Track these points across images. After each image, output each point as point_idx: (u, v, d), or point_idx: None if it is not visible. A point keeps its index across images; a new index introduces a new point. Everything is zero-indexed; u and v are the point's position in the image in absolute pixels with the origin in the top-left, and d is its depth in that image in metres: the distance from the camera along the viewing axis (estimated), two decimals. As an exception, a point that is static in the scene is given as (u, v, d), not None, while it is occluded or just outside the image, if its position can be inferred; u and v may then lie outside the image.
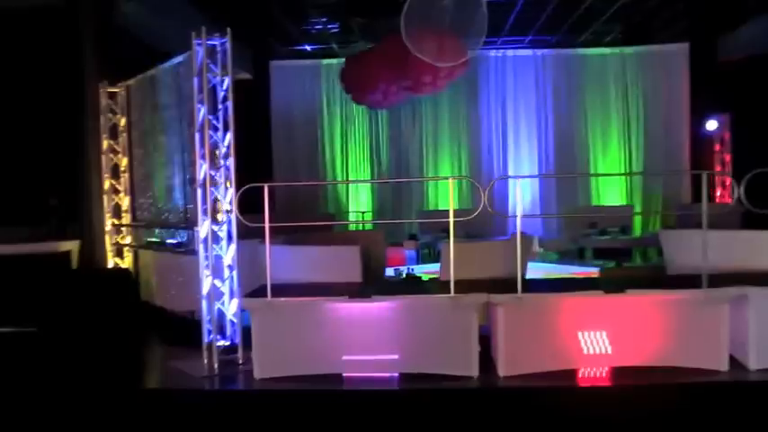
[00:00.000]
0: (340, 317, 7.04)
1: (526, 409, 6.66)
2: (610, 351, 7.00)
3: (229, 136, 7.60)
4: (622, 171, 18.49)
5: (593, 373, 6.97)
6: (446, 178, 5.97)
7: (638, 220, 17.81)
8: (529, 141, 18.70)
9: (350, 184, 18.99)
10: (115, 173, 10.92)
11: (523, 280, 7.49)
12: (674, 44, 18.18)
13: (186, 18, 12.18)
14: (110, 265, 10.72)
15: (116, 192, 10.91)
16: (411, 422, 6.72)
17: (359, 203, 18.91)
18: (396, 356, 7.07)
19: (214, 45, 7.71)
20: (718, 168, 17.75)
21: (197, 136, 7.55)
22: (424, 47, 11.62)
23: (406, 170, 18.74)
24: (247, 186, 7.24)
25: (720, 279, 6.96)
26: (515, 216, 6.92)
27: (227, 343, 7.64)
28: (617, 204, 18.02)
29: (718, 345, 6.86)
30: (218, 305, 7.57)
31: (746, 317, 6.88)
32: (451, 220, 6.83)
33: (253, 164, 18.39)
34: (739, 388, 6.71)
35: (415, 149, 18.87)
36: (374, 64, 14.03)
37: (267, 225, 7.01)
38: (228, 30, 7.54)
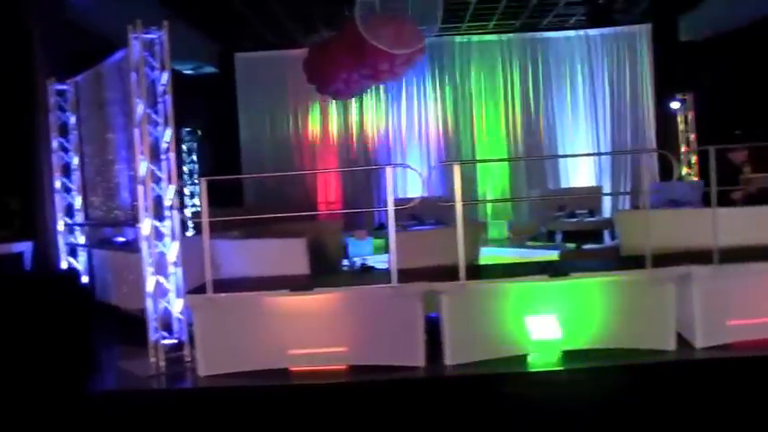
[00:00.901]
0: (283, 310, 6.96)
1: (475, 397, 6.58)
2: (560, 335, 6.92)
3: (170, 131, 7.43)
4: (591, 152, 18.44)
5: (543, 358, 6.90)
6: (384, 167, 5.85)
7: (607, 200, 17.79)
8: (496, 125, 18.63)
9: (318, 174, 18.84)
10: (67, 171, 10.75)
11: (473, 267, 7.46)
12: (636, 25, 18.17)
13: (145, 9, 12.01)
14: (64, 265, 10.57)
15: (68, 190, 10.75)
16: (360, 415, 6.63)
17: (329, 193, 18.81)
18: (343, 349, 6.97)
19: (152, 38, 7.50)
20: (684, 148, 17.75)
21: (136, 132, 7.40)
22: (380, 34, 11.53)
23: (375, 158, 18.64)
24: (183, 183, 7.10)
25: (670, 258, 6.92)
26: (458, 203, 6.81)
27: (174, 341, 7.52)
28: (585, 186, 17.97)
29: (665, 324, 6.82)
30: (163, 303, 7.45)
31: (692, 295, 6.81)
32: (390, 208, 6.72)
33: (220, 157, 18.41)
34: (686, 366, 6.66)
35: (382, 137, 18.76)
36: (334, 53, 13.90)
37: (205, 220, 6.89)
38: (165, 22, 7.38)
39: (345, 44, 13.09)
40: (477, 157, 18.24)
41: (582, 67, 18.56)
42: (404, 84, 18.43)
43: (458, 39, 18.51)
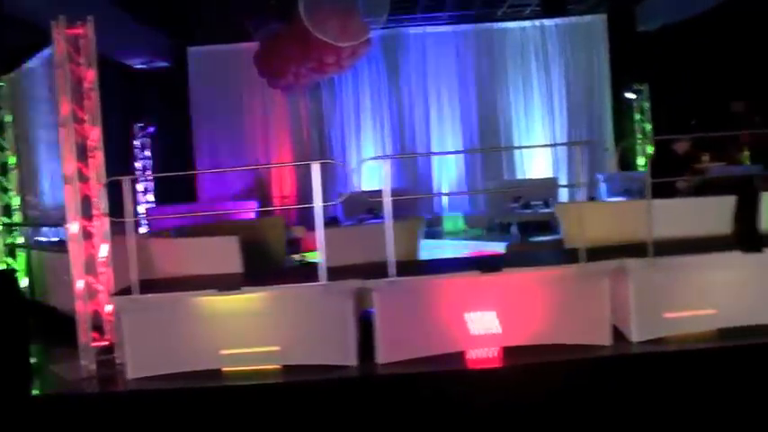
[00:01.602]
0: (214, 310, 6.79)
1: (408, 396, 6.46)
2: (498, 331, 6.81)
3: (97, 130, 7.23)
4: (547, 143, 18.39)
5: (480, 355, 6.80)
6: (308, 163, 5.73)
7: (564, 191, 17.73)
8: (452, 117, 18.56)
9: (274, 168, 18.65)
10: (4, 170, 10.50)
11: (410, 262, 7.34)
12: (592, 15, 18.12)
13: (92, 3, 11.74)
14: (2, 266, 10.34)
15: (5, 190, 10.50)
16: (293, 415, 6.50)
17: (284, 187, 18.62)
18: (276, 348, 6.83)
19: (78, 34, 7.29)
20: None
21: (62, 130, 7.19)
22: (326, 27, 11.39)
23: (329, 151, 18.49)
24: (110, 180, 6.95)
25: (612, 250, 6.87)
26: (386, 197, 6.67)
27: (106, 342, 7.34)
28: (541, 177, 17.94)
29: (601, 319, 6.72)
30: (93, 304, 7.28)
31: (627, 289, 6.73)
32: (317, 205, 6.57)
33: (173, 153, 18.17)
34: (621, 362, 6.56)
35: (337, 130, 18.62)
36: (283, 47, 13.77)
37: (129, 220, 6.69)
38: (90, 18, 7.16)
39: (293, 38, 12.95)
40: (434, 149, 18.11)
41: (537, 58, 18.52)
42: (359, 76, 18.29)
43: (412, 30, 18.40)
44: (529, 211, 15.41)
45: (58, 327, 9.05)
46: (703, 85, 16.32)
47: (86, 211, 7.32)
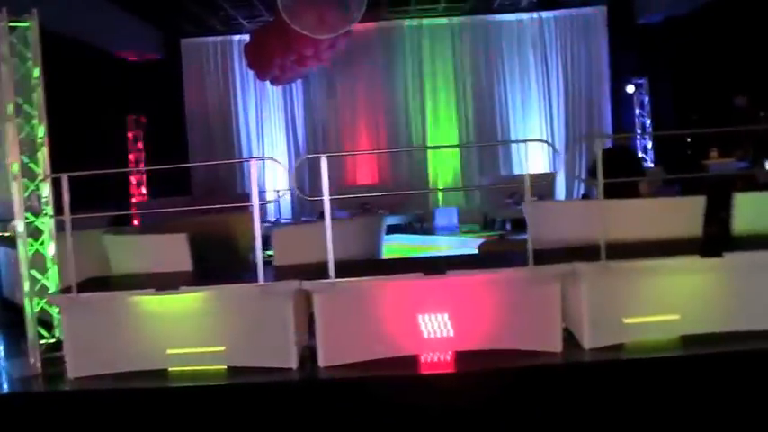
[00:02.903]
0: (159, 309, 6.62)
1: (351, 400, 6.27)
2: (449, 334, 6.58)
3: (44, 126, 7.07)
4: (544, 138, 18.08)
5: (427, 359, 6.59)
6: (248, 159, 5.56)
7: (561, 187, 17.51)
8: (448, 111, 18.32)
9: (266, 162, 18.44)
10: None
11: (363, 262, 7.15)
12: (591, 7, 17.79)
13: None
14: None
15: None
16: (237, 418, 6.33)
17: (277, 182, 18.46)
18: (222, 349, 6.64)
19: (23, 28, 7.11)
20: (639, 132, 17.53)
21: (7, 126, 7.02)
22: (303, 19, 11.17)
23: (324, 144, 18.31)
24: (53, 175, 6.79)
25: (572, 253, 6.65)
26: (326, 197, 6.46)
27: (53, 340, 7.21)
28: (539, 172, 17.67)
29: (551, 325, 6.47)
30: (41, 302, 7.14)
31: (580, 294, 6.48)
32: (255, 203, 6.36)
33: (166, 145, 18.05)
34: (568, 369, 6.32)
35: (331, 123, 18.43)
36: (269, 39, 13.59)
37: (68, 218, 6.53)
38: (35, 10, 6.98)
39: (275, 30, 12.77)
40: (429, 143, 17.88)
41: (535, 51, 18.22)
42: (354, 69, 18.08)
43: (408, 22, 18.16)
44: (520, 207, 15.12)
45: (18, 324, 8.93)
46: (704, 80, 16.01)
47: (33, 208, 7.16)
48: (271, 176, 18.51)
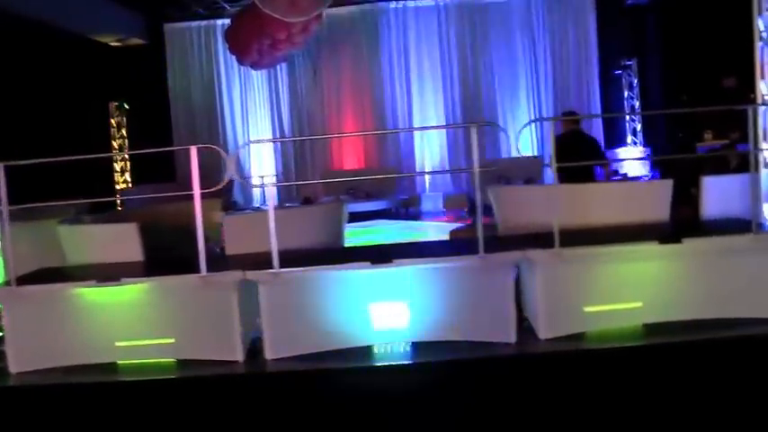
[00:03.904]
0: (103, 301, 6.42)
1: (296, 393, 6.09)
2: (402, 326, 6.37)
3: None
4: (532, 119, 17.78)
5: (380, 351, 6.40)
6: (188, 147, 5.41)
7: (549, 171, 17.21)
8: (434, 94, 18.08)
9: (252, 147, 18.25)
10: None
11: (321, 251, 6.95)
12: (580, -12, 17.52)
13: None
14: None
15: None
16: (185, 413, 6.16)
17: (261, 166, 18.26)
18: (171, 341, 6.45)
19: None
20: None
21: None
22: (274, 2, 10.93)
23: (309, 128, 18.10)
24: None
25: (532, 239, 6.44)
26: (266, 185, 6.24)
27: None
28: (525, 156, 17.40)
29: (505, 315, 6.24)
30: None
31: (534, 283, 6.27)
32: (197, 192, 6.15)
33: (151, 131, 17.85)
34: (524, 361, 6.11)
35: (316, 107, 18.20)
36: (245, 24, 13.36)
37: (5, 208, 6.33)
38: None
39: (250, 14, 12.54)
40: (415, 125, 17.62)
41: (522, 32, 17.91)
42: (339, 51, 17.86)
43: (393, 4, 17.86)
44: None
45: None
46: (693, 60, 15.73)
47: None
48: (256, 162, 18.33)
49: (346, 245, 8.21)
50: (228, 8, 17.13)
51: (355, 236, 13.24)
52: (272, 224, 6.05)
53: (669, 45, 16.22)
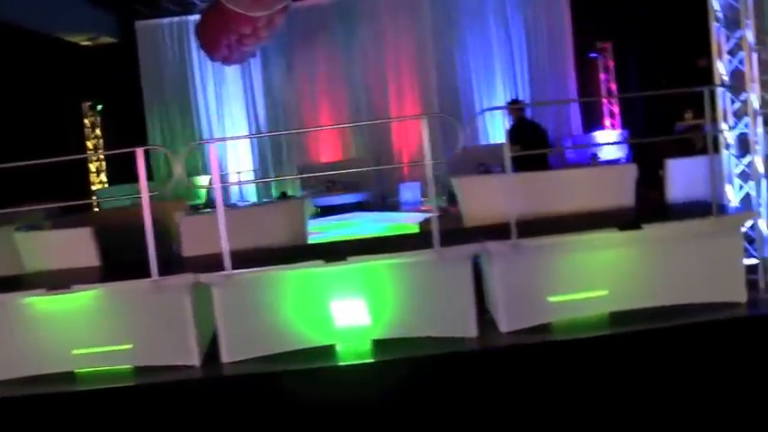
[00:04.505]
0: (58, 309, 6.30)
1: (253, 397, 5.99)
2: (365, 323, 6.27)
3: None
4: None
5: (341, 350, 6.31)
6: (133, 150, 5.26)
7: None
8: (410, 84, 17.87)
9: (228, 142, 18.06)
10: None
11: (279, 249, 6.83)
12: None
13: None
14: None
15: None
16: (144, 419, 6.05)
17: (239, 162, 18.11)
18: (128, 347, 6.33)
19: None
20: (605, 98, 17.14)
21: None
22: (238, -4, 10.78)
23: (285, 123, 17.94)
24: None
25: (491, 231, 6.28)
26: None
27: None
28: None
29: (464, 309, 6.14)
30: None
31: (493, 275, 6.17)
32: (144, 194, 6.02)
33: (125, 131, 17.68)
34: (485, 355, 6.01)
35: (291, 101, 18.04)
36: (212, 19, 13.19)
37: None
38: None
39: (217, 10, 12.38)
40: (392, 115, 17.44)
41: (496, 17, 17.73)
42: (312, 43, 17.70)
43: (366, -6, 17.67)
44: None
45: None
46: (670, 42, 15.62)
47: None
48: (233, 157, 18.19)
49: (314, 241, 8.10)
50: (199, 3, 16.94)
51: (330, 230, 13.15)
52: (221, 226, 5.93)
53: (646, 27, 16.10)
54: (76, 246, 6.98)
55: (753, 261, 6.75)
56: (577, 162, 16.03)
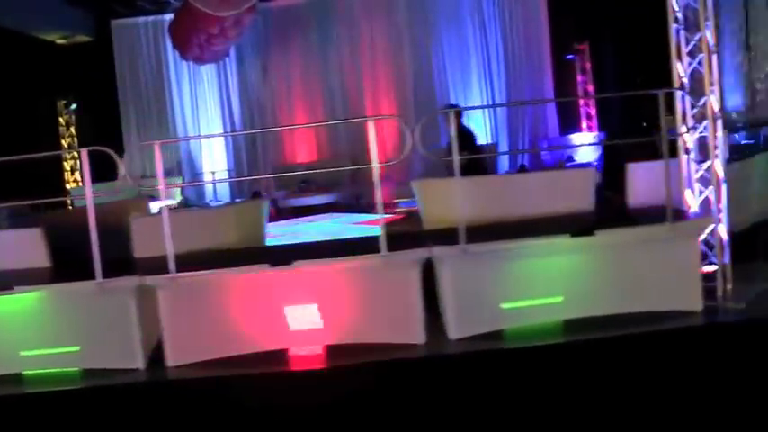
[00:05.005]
0: (4, 310, 6.23)
1: (203, 401, 5.88)
2: (320, 326, 6.18)
3: None
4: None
5: (290, 355, 6.23)
6: (83, 150, 5.18)
7: (504, 158, 17.09)
8: (386, 84, 17.76)
9: (204, 140, 17.93)
10: None
11: (232, 251, 6.73)
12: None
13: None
14: None
15: None
16: (90, 423, 5.95)
17: (214, 162, 17.99)
18: (75, 349, 6.24)
19: None
20: (584, 100, 17.07)
21: None
22: (205, -4, 10.67)
23: (260, 122, 17.82)
24: None
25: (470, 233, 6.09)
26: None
27: None
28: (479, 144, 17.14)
29: (411, 315, 6.04)
30: None
31: (442, 281, 6.08)
32: (89, 195, 5.91)
33: (101, 129, 17.53)
34: (432, 363, 5.91)
35: (267, 100, 17.91)
36: (183, 19, 13.07)
37: None
38: None
39: (186, 9, 12.26)
40: (368, 114, 17.29)
41: (473, 18, 17.61)
42: (288, 43, 17.59)
43: (341, -6, 17.55)
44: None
45: None
46: (646, 42, 15.52)
47: None
48: (207, 157, 18.06)
49: (284, 242, 8.01)
50: (174, 2, 16.79)
51: (299, 231, 13.07)
52: (166, 228, 5.84)
53: (622, 27, 16.02)
54: (27, 246, 6.86)
55: (712, 268, 6.65)
56: (551, 165, 15.97)
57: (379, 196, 5.97)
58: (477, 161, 9.28)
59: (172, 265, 5.82)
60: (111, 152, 5.95)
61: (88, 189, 5.97)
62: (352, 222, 13.51)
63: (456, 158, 5.99)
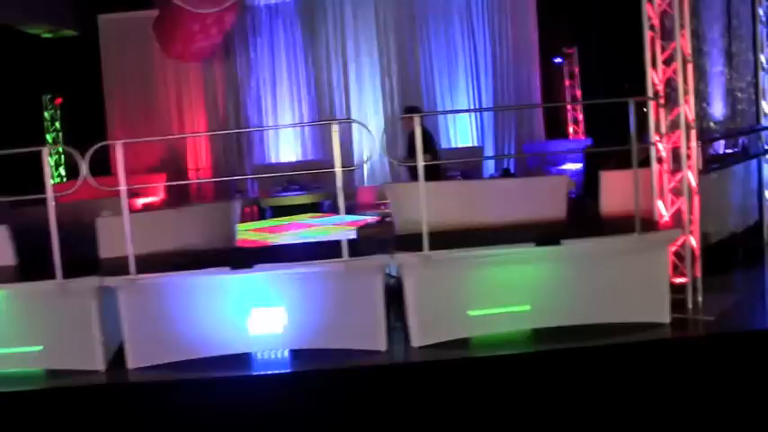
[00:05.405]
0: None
1: (160, 405, 5.82)
2: (280, 330, 6.12)
3: None
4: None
5: (252, 359, 6.20)
6: (39, 149, 5.08)
7: (489, 162, 17.00)
8: (372, 84, 17.64)
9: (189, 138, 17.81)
10: None
11: (200, 252, 6.66)
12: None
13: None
14: None
15: None
16: (51, 424, 5.89)
17: (200, 159, 17.90)
18: (38, 349, 6.19)
19: None
20: (569, 105, 16.99)
21: None
22: (185, -7, 10.59)
23: (245, 121, 17.71)
24: None
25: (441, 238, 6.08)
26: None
27: None
28: (466, 146, 17.15)
29: (374, 321, 6.00)
30: None
31: (404, 288, 6.02)
32: (50, 195, 5.84)
33: (85, 125, 17.39)
34: (399, 370, 5.86)
35: (252, 98, 17.80)
36: (166, 16, 12.97)
37: None
38: None
39: (168, 7, 12.17)
40: (354, 116, 17.18)
41: (461, 21, 17.51)
42: (274, 41, 17.50)
43: (329, -7, 17.43)
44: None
45: None
46: (635, 48, 15.45)
47: None
48: (191, 156, 17.95)
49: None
50: (156, -1, 16.68)
51: (277, 232, 13.03)
52: (127, 228, 5.77)
53: (612, 32, 15.96)
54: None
55: (682, 280, 6.61)
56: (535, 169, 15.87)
57: (341, 201, 5.93)
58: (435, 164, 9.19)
59: (132, 266, 5.75)
60: (74, 151, 5.90)
61: (48, 188, 5.90)
62: (332, 224, 13.43)
63: (420, 163, 5.91)
